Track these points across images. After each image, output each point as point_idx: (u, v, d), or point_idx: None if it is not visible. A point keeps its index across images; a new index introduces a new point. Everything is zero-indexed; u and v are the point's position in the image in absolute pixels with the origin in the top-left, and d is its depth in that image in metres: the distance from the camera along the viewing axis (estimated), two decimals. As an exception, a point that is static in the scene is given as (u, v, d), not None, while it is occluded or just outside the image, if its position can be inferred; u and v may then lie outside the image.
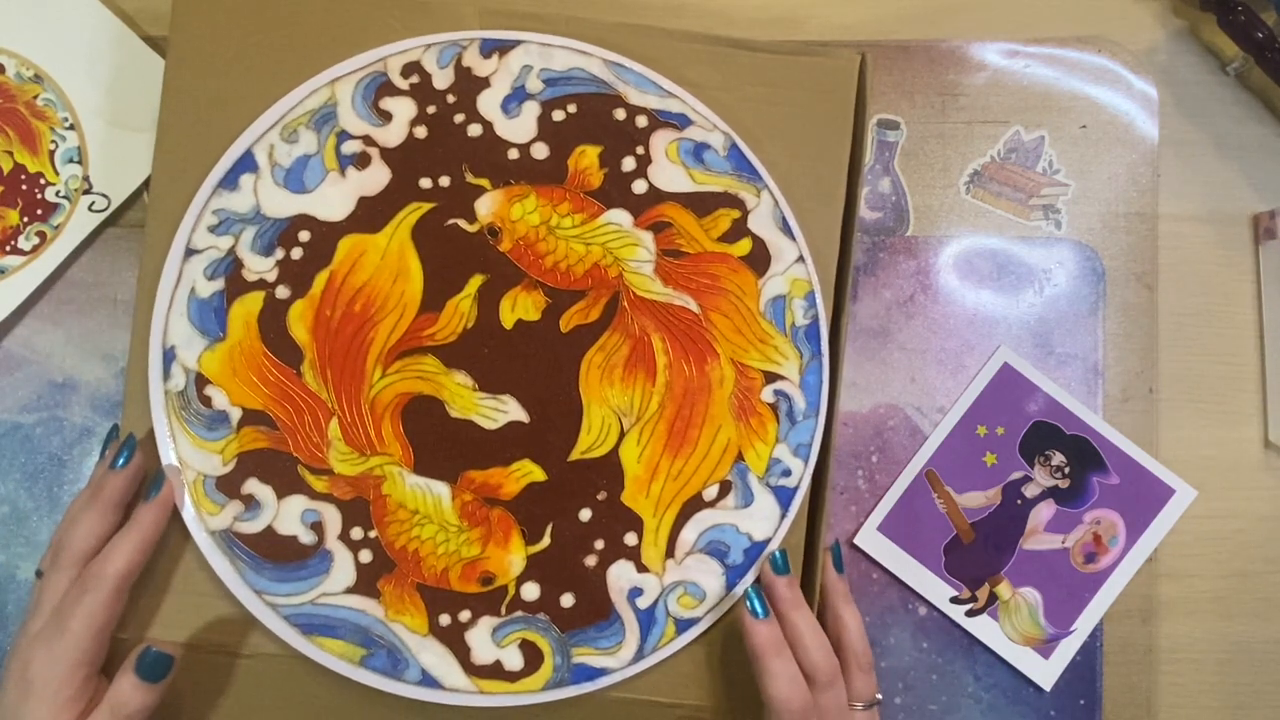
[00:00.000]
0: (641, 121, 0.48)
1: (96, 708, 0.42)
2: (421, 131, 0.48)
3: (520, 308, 0.48)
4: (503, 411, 0.47)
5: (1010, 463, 0.53)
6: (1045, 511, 0.53)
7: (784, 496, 0.48)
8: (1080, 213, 0.55)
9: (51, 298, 0.53)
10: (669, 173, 0.48)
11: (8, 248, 0.52)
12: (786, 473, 0.48)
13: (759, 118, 0.49)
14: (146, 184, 0.52)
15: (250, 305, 0.47)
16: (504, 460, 0.47)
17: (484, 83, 0.48)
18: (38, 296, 0.53)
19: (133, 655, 0.43)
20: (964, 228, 0.55)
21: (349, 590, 0.46)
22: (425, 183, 0.47)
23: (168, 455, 0.46)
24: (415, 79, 0.48)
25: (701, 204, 0.48)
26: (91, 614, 0.42)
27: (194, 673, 0.46)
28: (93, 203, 0.52)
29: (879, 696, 0.47)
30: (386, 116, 0.47)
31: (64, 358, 0.53)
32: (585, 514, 0.47)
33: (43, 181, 0.52)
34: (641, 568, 0.47)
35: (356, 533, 0.46)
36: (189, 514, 0.46)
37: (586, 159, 0.48)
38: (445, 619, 0.46)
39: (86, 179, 0.52)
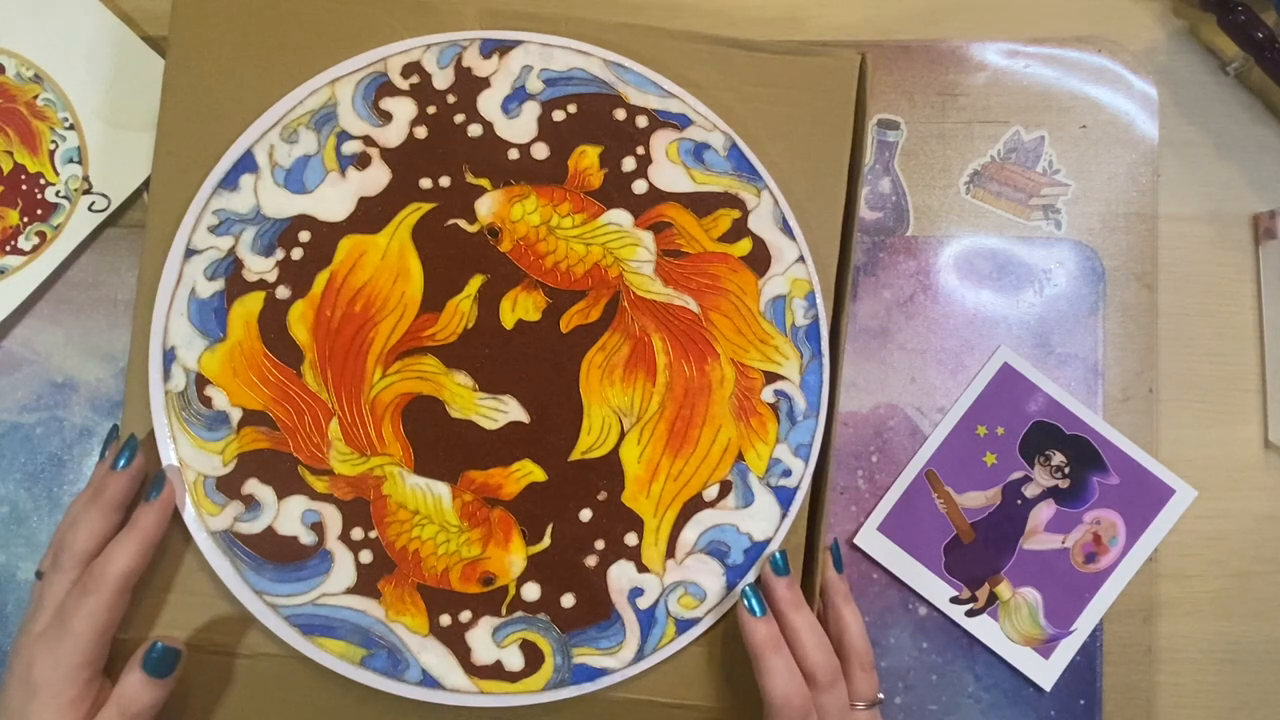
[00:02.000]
0: (642, 121, 0.48)
1: (104, 707, 0.42)
2: (422, 132, 0.48)
3: (520, 308, 0.48)
4: (503, 412, 0.47)
5: (1010, 463, 0.53)
6: (1045, 511, 0.53)
7: (784, 496, 0.48)
8: (1080, 213, 0.55)
9: (51, 298, 0.53)
10: (669, 173, 0.48)
11: (8, 248, 0.52)
12: (787, 473, 0.48)
13: (759, 118, 0.49)
14: (146, 184, 0.52)
15: (250, 305, 0.47)
16: (504, 460, 0.47)
17: (484, 83, 0.48)
18: (38, 296, 0.53)
19: (139, 652, 0.43)
20: (964, 228, 0.55)
21: (349, 591, 0.46)
22: (425, 183, 0.47)
23: (168, 456, 0.46)
24: (415, 79, 0.48)
25: (702, 204, 0.48)
26: (94, 615, 0.42)
27: (194, 673, 0.46)
28: (93, 203, 0.52)
29: (881, 696, 0.47)
30: (387, 117, 0.47)
31: (64, 358, 0.53)
32: (586, 514, 0.47)
33: (43, 181, 0.52)
34: (642, 568, 0.47)
35: (357, 533, 0.46)
36: (189, 515, 0.46)
37: (587, 159, 0.48)
38: (446, 619, 0.46)
39: (86, 179, 0.52)
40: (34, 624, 0.43)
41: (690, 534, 0.47)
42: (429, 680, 0.46)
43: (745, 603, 0.45)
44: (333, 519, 0.46)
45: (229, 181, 0.47)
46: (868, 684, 0.46)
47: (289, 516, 0.46)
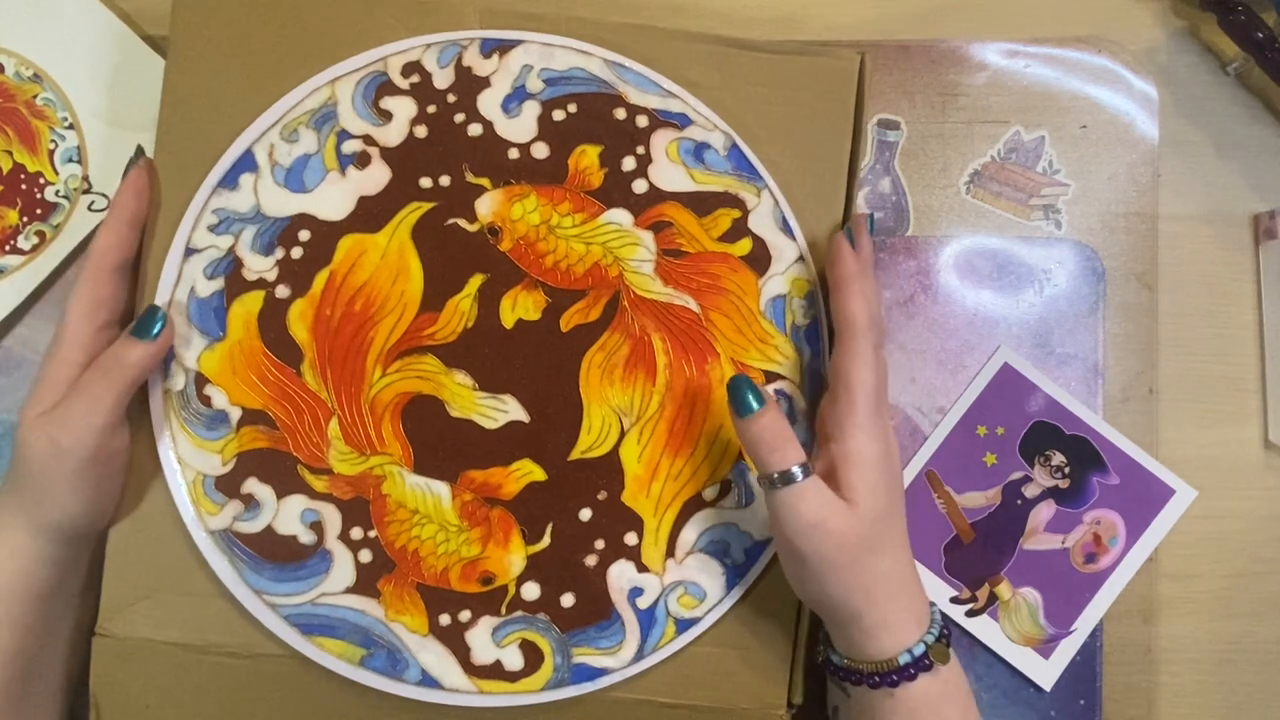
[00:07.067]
0: (642, 121, 0.48)
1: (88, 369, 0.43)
2: (422, 131, 0.48)
3: (520, 307, 0.48)
4: (503, 411, 0.47)
5: (1010, 463, 0.53)
6: (1045, 511, 0.53)
7: (784, 496, 0.48)
8: (1080, 213, 0.55)
9: (51, 298, 0.53)
10: (669, 172, 0.48)
11: (8, 247, 0.52)
12: (787, 472, 0.48)
13: (759, 118, 0.49)
14: (146, 184, 0.52)
15: (250, 305, 0.47)
16: (504, 460, 0.47)
17: (484, 82, 0.48)
18: (38, 296, 0.53)
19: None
20: (964, 228, 0.55)
21: (349, 590, 0.46)
22: (425, 182, 0.47)
23: (167, 455, 0.46)
24: (415, 78, 0.48)
25: (702, 204, 0.48)
26: (80, 298, 0.44)
27: (194, 673, 0.46)
28: (92, 203, 0.52)
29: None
30: (387, 116, 0.47)
31: (64, 358, 0.53)
32: (585, 514, 0.47)
33: (42, 181, 0.52)
34: (642, 567, 0.47)
35: (356, 532, 0.46)
36: (188, 514, 0.46)
37: (587, 158, 0.48)
38: (445, 619, 0.46)
39: (86, 179, 0.52)
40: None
41: (690, 533, 0.47)
42: (428, 680, 0.46)
43: (845, 237, 0.45)
44: (332, 518, 0.46)
45: (229, 180, 0.47)
46: None
47: (288, 516, 0.46)
